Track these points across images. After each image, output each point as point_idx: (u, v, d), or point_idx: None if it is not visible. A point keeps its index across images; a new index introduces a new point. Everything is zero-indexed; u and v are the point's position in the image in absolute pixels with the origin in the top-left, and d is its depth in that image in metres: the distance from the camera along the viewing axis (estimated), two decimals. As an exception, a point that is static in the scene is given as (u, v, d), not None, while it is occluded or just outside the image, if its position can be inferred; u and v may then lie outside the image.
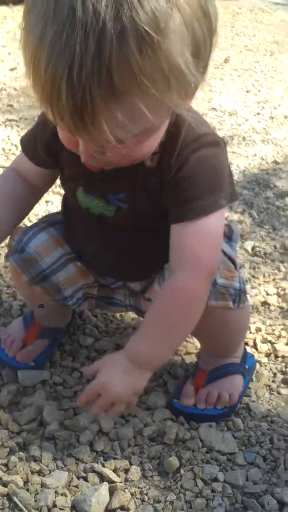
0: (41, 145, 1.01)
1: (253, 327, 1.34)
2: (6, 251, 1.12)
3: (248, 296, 1.08)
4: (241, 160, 2.32)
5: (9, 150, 2.12)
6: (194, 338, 1.27)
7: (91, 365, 1.00)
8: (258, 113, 2.85)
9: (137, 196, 0.95)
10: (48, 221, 1.12)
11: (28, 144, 1.05)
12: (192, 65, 0.72)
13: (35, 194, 1.13)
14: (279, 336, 1.33)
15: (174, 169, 0.90)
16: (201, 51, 0.74)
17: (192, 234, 0.91)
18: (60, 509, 0.90)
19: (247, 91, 3.14)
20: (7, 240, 1.12)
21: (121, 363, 0.92)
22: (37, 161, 1.05)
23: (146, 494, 0.94)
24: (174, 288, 0.93)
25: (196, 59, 0.73)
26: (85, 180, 0.97)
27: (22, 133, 2.25)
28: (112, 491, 0.93)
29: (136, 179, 0.93)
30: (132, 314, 1.33)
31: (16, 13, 4.33)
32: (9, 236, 1.11)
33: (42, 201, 1.80)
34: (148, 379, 0.96)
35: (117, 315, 1.34)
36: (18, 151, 2.12)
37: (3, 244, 1.55)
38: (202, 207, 0.90)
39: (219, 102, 2.91)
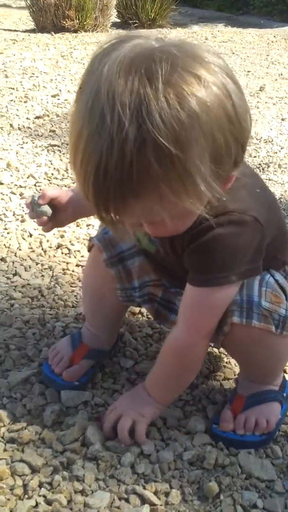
0: None
1: (291, 355, 1.34)
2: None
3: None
4: (277, 188, 2.34)
5: (52, 174, 2.18)
6: (232, 362, 1.29)
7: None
8: (293, 141, 2.87)
9: (166, 250, 1.05)
10: None
11: None
12: (209, 174, 0.76)
13: None
14: None
15: (191, 238, 0.95)
16: (223, 158, 0.78)
17: (196, 299, 1.00)
18: (102, 529, 0.92)
19: (283, 119, 3.17)
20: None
21: (135, 390, 1.12)
22: None
23: (187, 518, 0.96)
24: (172, 345, 1.06)
25: (216, 165, 0.77)
26: None
27: (64, 158, 2.33)
28: (153, 514, 0.95)
29: (164, 237, 1.02)
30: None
31: (58, 40, 4.48)
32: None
33: (83, 224, 1.86)
34: (159, 410, 1.10)
35: (157, 336, 1.37)
36: (60, 175, 2.19)
37: (45, 266, 1.61)
38: (208, 280, 0.96)
39: (255, 129, 2.94)
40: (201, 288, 0.98)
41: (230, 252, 0.94)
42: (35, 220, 1.14)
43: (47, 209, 1.09)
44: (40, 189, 1.98)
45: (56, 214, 1.11)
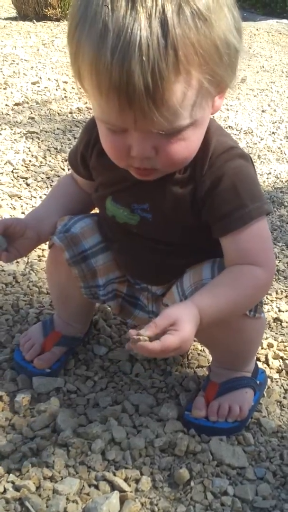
0: (79, 158, 1.09)
1: (265, 343, 1.35)
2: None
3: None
4: (256, 179, 2.34)
5: (29, 161, 2.15)
6: (206, 350, 1.28)
7: (164, 313, 0.87)
8: (273, 133, 2.87)
9: (163, 207, 0.99)
10: (91, 213, 1.19)
11: (72, 158, 1.13)
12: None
13: (87, 199, 1.17)
14: (291, 353, 1.34)
15: (209, 181, 0.94)
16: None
17: (247, 240, 0.95)
18: (71, 515, 0.91)
19: (263, 111, 3.18)
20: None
21: (196, 319, 0.89)
22: (79, 174, 1.14)
23: (156, 505, 0.95)
24: (251, 274, 0.95)
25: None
26: (114, 188, 1.03)
27: (42, 145, 2.30)
28: (122, 500, 0.94)
29: (164, 190, 0.97)
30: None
31: (39, 28, 4.42)
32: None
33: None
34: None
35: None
36: (38, 162, 2.16)
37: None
38: (248, 213, 0.94)
39: (235, 120, 2.94)
40: (242, 229, 0.94)
41: (252, 182, 0.95)
42: None
43: (0, 240, 1.05)
44: None
45: (13, 242, 1.08)
